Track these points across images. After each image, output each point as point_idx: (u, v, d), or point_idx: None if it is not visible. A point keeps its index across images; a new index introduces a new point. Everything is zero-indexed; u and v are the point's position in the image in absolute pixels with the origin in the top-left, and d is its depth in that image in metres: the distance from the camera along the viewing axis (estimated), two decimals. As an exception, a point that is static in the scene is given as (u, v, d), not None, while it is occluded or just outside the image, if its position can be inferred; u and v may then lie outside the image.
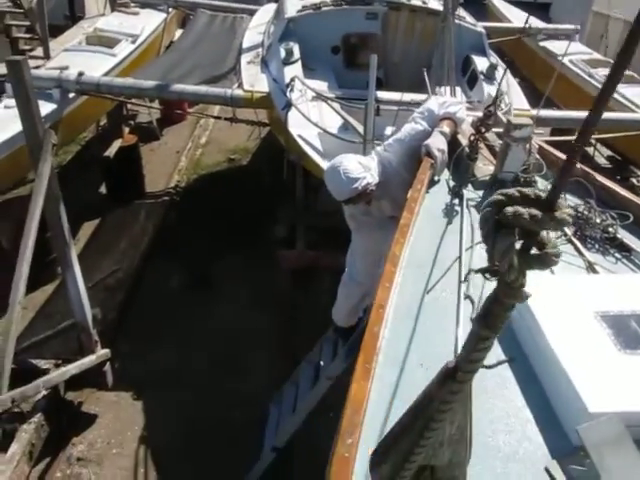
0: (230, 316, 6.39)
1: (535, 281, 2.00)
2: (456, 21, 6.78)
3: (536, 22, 10.62)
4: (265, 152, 9.46)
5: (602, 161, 9.72)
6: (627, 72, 8.83)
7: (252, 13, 9.24)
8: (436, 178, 2.75)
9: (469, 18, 7.32)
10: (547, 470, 1.48)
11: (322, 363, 4.46)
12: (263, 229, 7.82)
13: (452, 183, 2.73)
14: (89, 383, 5.10)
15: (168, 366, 5.73)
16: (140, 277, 6.98)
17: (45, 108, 5.43)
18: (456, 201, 2.60)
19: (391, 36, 6.98)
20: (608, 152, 9.72)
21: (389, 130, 5.14)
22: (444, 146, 2.73)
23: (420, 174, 2.54)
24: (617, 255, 2.33)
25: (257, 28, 8.00)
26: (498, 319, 1.03)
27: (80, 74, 5.71)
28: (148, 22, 8.54)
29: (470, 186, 2.72)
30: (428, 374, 1.78)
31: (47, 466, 4.74)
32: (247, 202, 8.31)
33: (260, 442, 4.79)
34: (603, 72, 8.42)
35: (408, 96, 5.56)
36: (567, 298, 1.88)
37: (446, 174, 2.81)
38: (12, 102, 4.77)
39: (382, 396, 1.65)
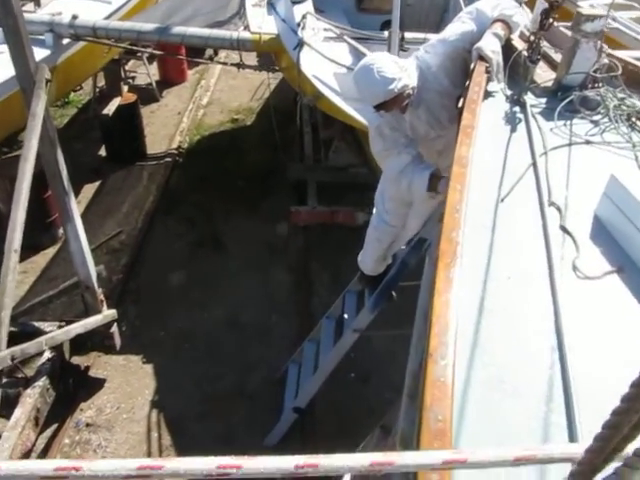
0: (242, 277, 6.07)
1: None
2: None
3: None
4: (271, 110, 9.03)
5: None
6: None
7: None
8: (490, 88, 2.37)
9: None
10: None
11: (346, 316, 4.15)
12: (272, 186, 7.46)
13: (509, 92, 2.36)
14: (96, 346, 4.79)
15: (179, 329, 5.43)
16: (145, 239, 6.64)
17: (37, 54, 5.00)
18: (517, 109, 2.23)
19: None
20: None
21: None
22: (499, 49, 2.35)
23: (476, 77, 2.17)
24: None
25: (261, -26, 7.51)
26: None
27: (74, 17, 5.28)
28: (145, -29, 8.03)
29: (530, 94, 2.35)
30: (518, 289, 1.45)
31: (54, 432, 4.47)
32: (254, 161, 7.94)
33: (280, 403, 4.52)
34: (627, 15, 7.94)
35: (430, 37, 5.13)
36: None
37: (500, 84, 2.43)
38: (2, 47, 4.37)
39: (471, 312, 1.31)
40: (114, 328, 4.77)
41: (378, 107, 2.49)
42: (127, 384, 4.94)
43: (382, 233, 3.40)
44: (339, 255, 6.14)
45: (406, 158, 2.71)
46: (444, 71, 2.55)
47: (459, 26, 2.59)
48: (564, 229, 1.58)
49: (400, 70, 2.42)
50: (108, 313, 4.64)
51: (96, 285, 4.51)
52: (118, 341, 4.88)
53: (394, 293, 3.75)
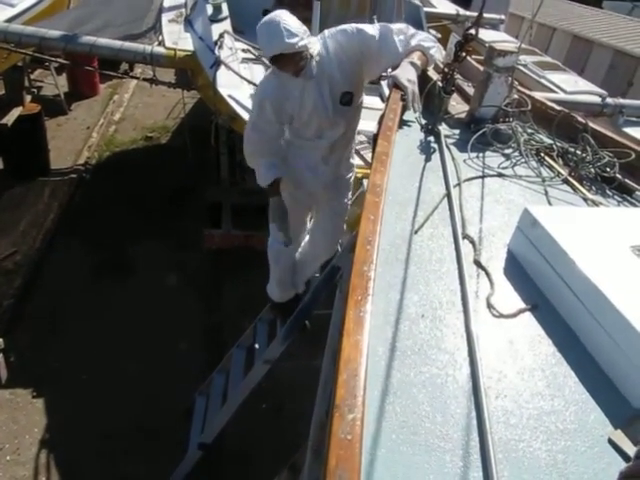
0: (149, 302, 5.72)
1: (561, 213, 1.66)
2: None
3: (462, 11, 10.63)
4: (185, 130, 8.77)
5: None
6: (552, 60, 9.03)
7: (173, -21, 8.50)
8: (405, 116, 2.34)
9: (405, -10, 7.05)
10: (611, 442, 1.10)
11: (257, 346, 3.97)
12: (185, 209, 7.19)
13: (424, 121, 2.33)
14: (-23, 379, 4.32)
15: (77, 359, 5.00)
16: (43, 260, 6.14)
17: None
18: (431, 139, 2.21)
19: (326, 4, 6.55)
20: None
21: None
22: (415, 78, 2.32)
23: (392, 104, 2.12)
24: (617, 197, 2.02)
25: (179, -9, 7.33)
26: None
27: (-33, 17, 4.86)
28: (54, -24, 7.60)
29: (444, 125, 2.34)
30: (432, 325, 1.37)
31: None
32: (167, 181, 7.63)
33: (185, 439, 4.24)
34: (530, 59, 8.46)
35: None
36: (597, 232, 1.51)
37: (415, 113, 2.40)
38: None
39: (383, 353, 1.21)
40: (0, 359, 4.32)
41: (274, 60, 2.45)
42: (13, 421, 4.46)
43: (277, 253, 3.36)
44: (253, 281, 5.95)
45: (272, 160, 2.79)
46: (337, 60, 2.56)
47: (365, 27, 2.59)
48: (478, 264, 1.53)
49: (304, 33, 2.43)
50: (-7, 343, 4.20)
51: (-20, 311, 4.07)
52: (4, 373, 4.44)
53: (307, 323, 3.63)
